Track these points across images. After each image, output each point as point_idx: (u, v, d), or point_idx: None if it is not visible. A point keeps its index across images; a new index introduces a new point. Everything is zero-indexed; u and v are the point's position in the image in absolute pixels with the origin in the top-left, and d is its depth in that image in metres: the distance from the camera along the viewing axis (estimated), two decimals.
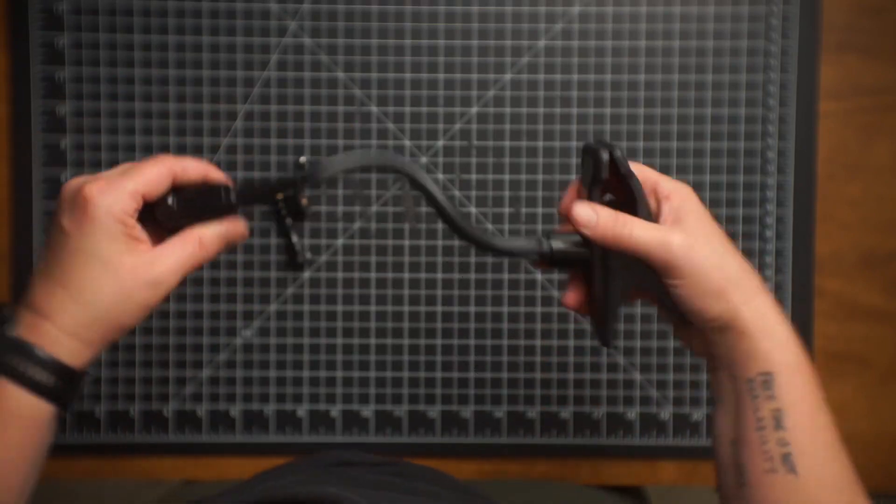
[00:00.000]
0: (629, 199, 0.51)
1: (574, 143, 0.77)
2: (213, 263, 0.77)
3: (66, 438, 0.77)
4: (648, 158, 0.77)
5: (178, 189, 0.53)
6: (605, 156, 0.50)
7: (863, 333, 0.79)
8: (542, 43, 0.77)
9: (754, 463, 0.48)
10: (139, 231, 0.51)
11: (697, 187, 0.77)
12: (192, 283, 0.77)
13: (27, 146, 0.76)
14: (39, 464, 0.51)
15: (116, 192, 0.49)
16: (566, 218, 0.54)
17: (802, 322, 0.78)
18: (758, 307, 0.50)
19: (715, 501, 0.53)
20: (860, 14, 0.78)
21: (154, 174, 0.51)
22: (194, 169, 0.53)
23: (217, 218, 0.53)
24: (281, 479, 0.59)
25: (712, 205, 0.77)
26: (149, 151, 0.76)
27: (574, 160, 0.77)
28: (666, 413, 0.78)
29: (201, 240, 0.52)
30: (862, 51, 0.78)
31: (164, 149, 0.76)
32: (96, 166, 0.76)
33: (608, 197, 0.53)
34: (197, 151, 0.76)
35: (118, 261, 0.49)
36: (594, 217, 0.51)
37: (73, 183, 0.51)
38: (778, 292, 0.78)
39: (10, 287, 0.77)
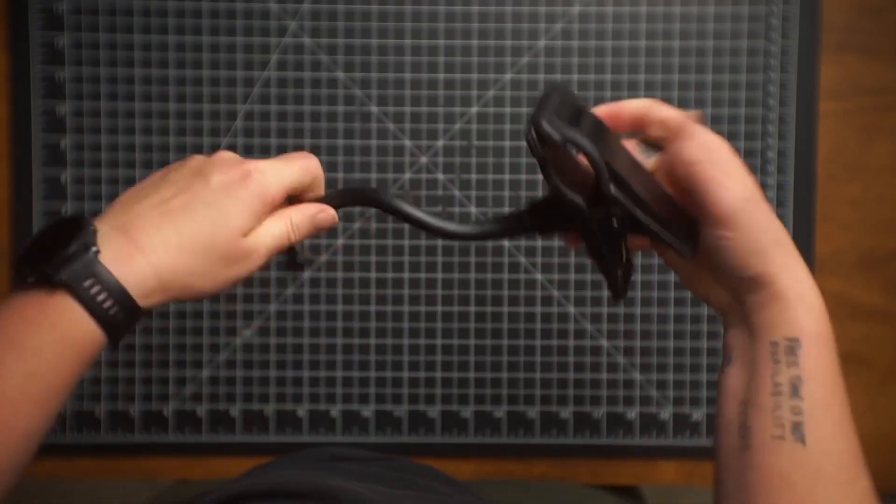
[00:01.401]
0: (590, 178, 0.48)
1: None
2: None
3: (66, 438, 0.77)
4: None
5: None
6: (531, 133, 0.45)
7: (863, 333, 0.79)
8: (542, 43, 0.77)
9: (763, 427, 0.47)
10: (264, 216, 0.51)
11: None
12: None
13: (27, 146, 0.76)
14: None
15: (276, 179, 0.50)
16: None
17: None
18: (796, 272, 0.49)
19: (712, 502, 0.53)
20: (860, 14, 0.78)
21: (301, 174, 0.52)
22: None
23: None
24: (277, 470, 0.59)
25: None
26: (149, 151, 0.76)
27: None
28: (666, 413, 0.78)
29: (292, 220, 0.52)
30: (862, 51, 0.78)
31: (164, 149, 0.76)
32: (96, 166, 0.76)
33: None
34: (197, 151, 0.76)
35: (230, 225, 0.49)
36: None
37: (230, 153, 0.52)
38: None
39: (10, 287, 0.77)
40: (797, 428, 0.46)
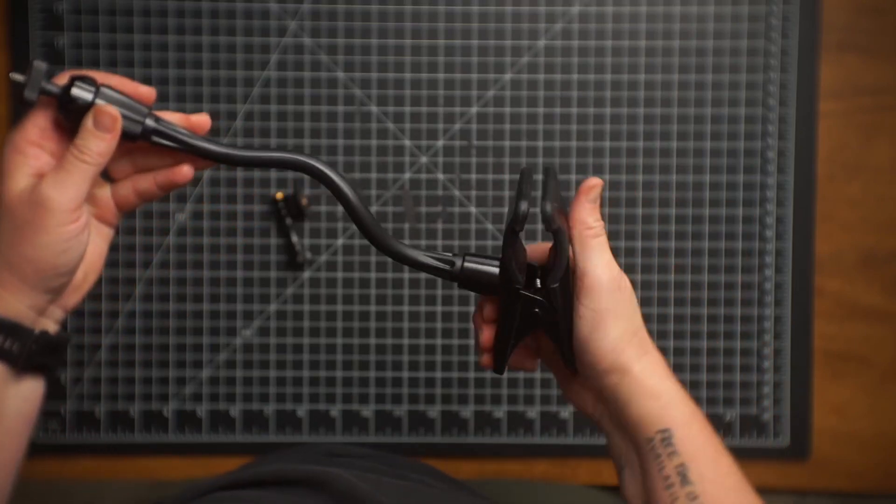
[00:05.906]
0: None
1: (574, 143, 0.77)
2: (213, 264, 0.77)
3: (66, 438, 0.77)
4: (648, 158, 0.77)
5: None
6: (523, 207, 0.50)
7: (863, 333, 0.79)
8: (542, 43, 0.77)
9: None
10: (42, 160, 0.50)
11: (697, 187, 0.77)
12: (192, 283, 0.77)
13: None
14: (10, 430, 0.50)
15: (20, 125, 0.50)
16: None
17: (802, 322, 0.78)
18: (647, 364, 0.51)
19: None
20: (860, 14, 0.78)
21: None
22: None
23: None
24: (270, 463, 0.59)
25: (712, 205, 0.77)
26: None
27: (574, 160, 0.77)
28: None
29: (73, 145, 0.49)
30: (862, 51, 0.78)
31: None
32: None
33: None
34: None
35: (10, 190, 0.49)
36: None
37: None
38: (778, 292, 0.78)
39: None
40: None
